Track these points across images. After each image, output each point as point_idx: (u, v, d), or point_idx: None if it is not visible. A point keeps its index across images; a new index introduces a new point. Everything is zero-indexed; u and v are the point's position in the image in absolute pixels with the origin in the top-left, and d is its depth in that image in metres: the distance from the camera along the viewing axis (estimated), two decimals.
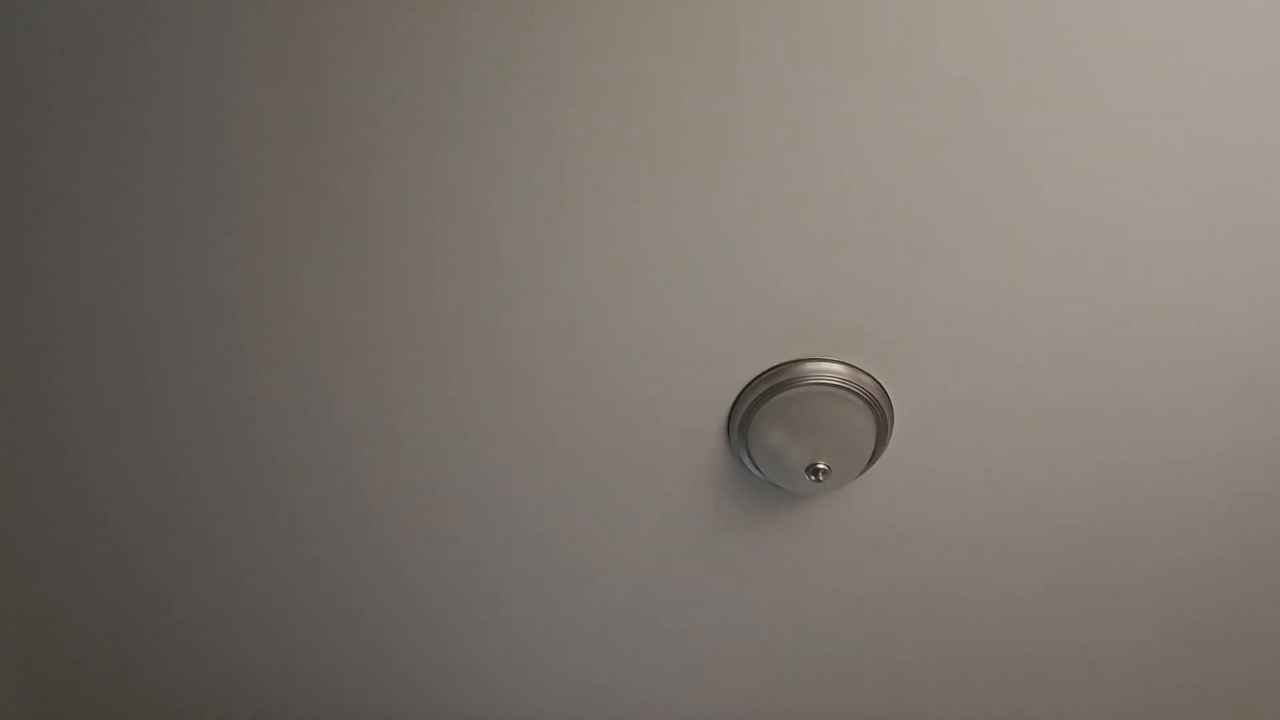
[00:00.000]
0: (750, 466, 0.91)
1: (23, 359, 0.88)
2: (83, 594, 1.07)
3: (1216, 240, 0.79)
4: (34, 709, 1.18)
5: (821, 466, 0.86)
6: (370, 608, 1.07)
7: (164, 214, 0.79)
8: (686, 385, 0.88)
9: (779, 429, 0.86)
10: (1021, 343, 0.86)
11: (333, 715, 1.18)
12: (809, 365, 0.86)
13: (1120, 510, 0.98)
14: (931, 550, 1.01)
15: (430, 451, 0.93)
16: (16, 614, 1.09)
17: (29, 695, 1.17)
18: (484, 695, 1.16)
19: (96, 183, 0.78)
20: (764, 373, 0.86)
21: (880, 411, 0.87)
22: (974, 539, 1.00)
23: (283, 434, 0.92)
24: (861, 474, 0.92)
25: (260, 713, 1.18)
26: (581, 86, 0.72)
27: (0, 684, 1.14)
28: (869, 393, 0.86)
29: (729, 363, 0.86)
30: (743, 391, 0.88)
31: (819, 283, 0.82)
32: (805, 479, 0.87)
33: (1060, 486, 0.96)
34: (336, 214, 0.78)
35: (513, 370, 0.87)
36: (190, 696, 1.17)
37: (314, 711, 1.18)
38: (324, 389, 0.89)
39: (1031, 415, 0.90)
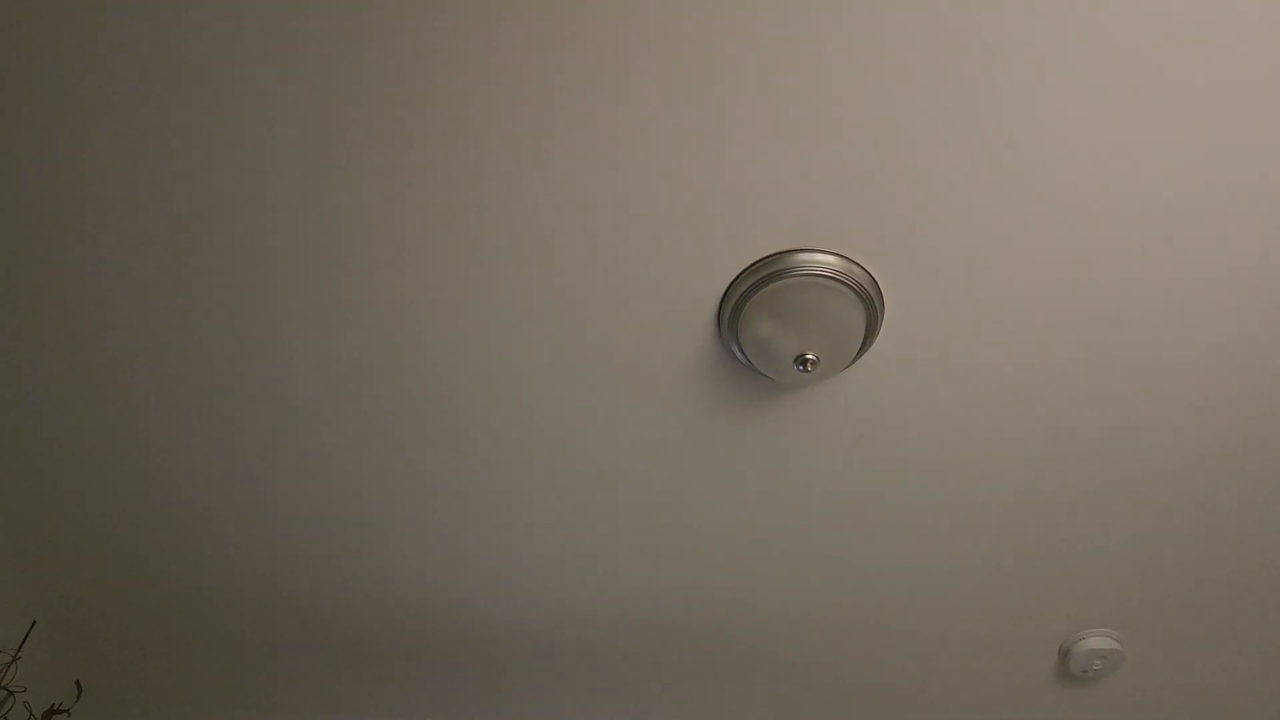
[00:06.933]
0: (740, 356, 0.92)
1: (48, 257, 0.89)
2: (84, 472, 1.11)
3: (1216, 142, 0.77)
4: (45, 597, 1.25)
5: (810, 357, 0.87)
6: (367, 490, 1.11)
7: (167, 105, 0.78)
8: (677, 274, 0.88)
9: (769, 319, 0.87)
10: (1016, 238, 0.85)
11: (333, 595, 1.25)
12: (801, 256, 0.85)
13: (1108, 408, 0.99)
14: (917, 444, 1.03)
15: (419, 335, 0.94)
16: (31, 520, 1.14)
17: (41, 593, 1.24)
18: (467, 572, 1.22)
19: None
20: (755, 262, 0.86)
21: (870, 304, 0.87)
22: (959, 434, 1.02)
23: (287, 321, 0.94)
24: (850, 366, 0.93)
25: (273, 606, 1.25)
26: None
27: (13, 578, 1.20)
28: (860, 284, 0.86)
29: (721, 252, 0.86)
30: (734, 281, 0.88)
31: (812, 173, 0.80)
32: (793, 369, 0.88)
33: (1050, 385, 0.97)
34: (319, 84, 0.77)
35: (500, 258, 0.87)
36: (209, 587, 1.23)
37: (313, 590, 1.25)
38: (310, 281, 0.90)
39: (1023, 312, 0.90)
